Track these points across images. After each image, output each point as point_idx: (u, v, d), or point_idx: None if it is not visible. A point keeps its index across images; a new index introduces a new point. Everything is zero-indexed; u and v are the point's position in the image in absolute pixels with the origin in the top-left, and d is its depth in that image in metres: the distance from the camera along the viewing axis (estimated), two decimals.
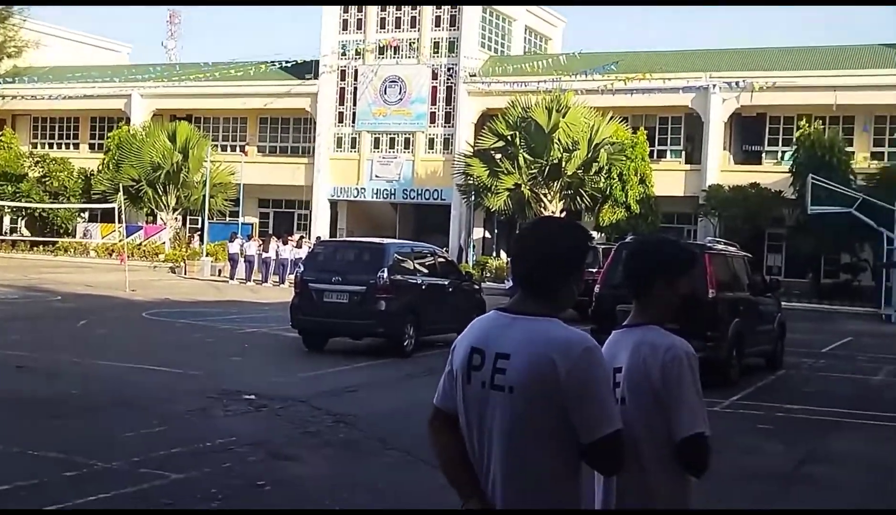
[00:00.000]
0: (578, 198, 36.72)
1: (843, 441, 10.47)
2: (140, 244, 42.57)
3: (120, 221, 37.87)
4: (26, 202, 44.52)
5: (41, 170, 46.62)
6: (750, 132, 40.14)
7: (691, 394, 2.80)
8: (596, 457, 2.69)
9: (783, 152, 38.04)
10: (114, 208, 35.83)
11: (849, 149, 35.57)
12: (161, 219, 43.85)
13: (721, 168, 38.48)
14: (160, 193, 42.88)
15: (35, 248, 45.33)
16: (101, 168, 44.67)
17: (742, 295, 15.10)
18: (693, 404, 2.80)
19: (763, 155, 39.70)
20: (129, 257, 33.63)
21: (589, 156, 35.92)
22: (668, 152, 40.92)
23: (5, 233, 48.83)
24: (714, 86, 38.23)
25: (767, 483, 8.34)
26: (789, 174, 34.35)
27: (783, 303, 18.56)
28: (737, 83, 38.08)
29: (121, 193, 37.28)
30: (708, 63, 39.56)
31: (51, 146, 51.19)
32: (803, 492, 8.26)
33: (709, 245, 15.93)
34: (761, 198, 35.28)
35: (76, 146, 51.28)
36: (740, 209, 35.22)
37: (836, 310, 31.82)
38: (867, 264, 33.40)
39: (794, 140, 35.56)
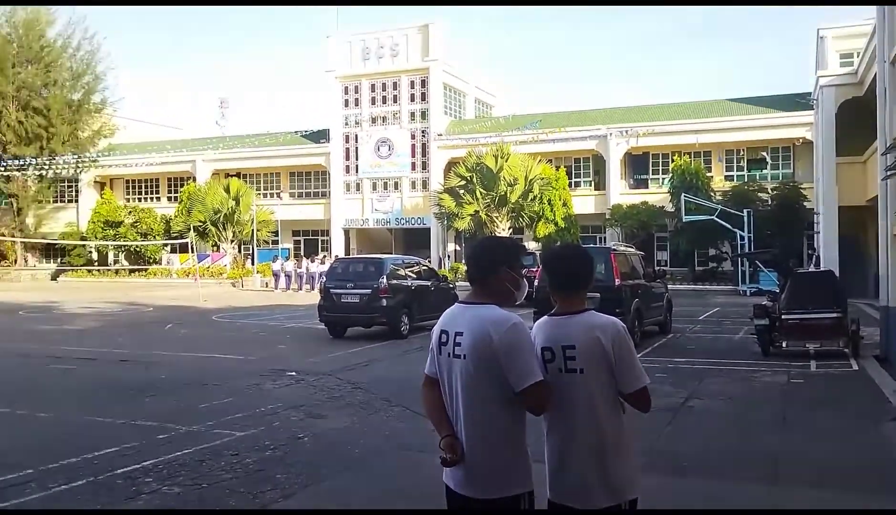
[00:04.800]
0: (520, 218, 36.62)
1: (715, 383, 10.52)
2: (208, 267, 42.17)
3: (192, 251, 37.64)
4: (124, 241, 44.22)
5: (133, 217, 46.16)
6: (638, 166, 40.24)
7: (635, 358, 2.78)
8: (525, 402, 2.69)
9: (663, 179, 38.19)
10: (188, 242, 35.55)
11: (708, 174, 35.68)
12: (222, 248, 43.45)
13: (620, 192, 38.47)
14: (220, 230, 42.49)
15: (132, 274, 44.81)
16: (176, 214, 44.21)
17: (639, 282, 15.15)
18: (638, 365, 2.78)
19: (649, 181, 39.83)
20: (200, 277, 33.41)
21: (526, 188, 35.86)
22: (582, 182, 40.95)
23: (110, 264, 48.28)
24: (611, 134, 38.23)
25: (664, 412, 8.34)
26: (668, 194, 34.51)
27: (669, 286, 18.66)
28: (627, 131, 38.19)
29: (192, 231, 37.08)
30: (605, 118, 39.56)
31: (139, 200, 50.59)
32: (686, 418, 8.30)
33: (614, 247, 16.02)
34: (650, 212, 35.37)
35: (157, 199, 50.63)
36: (635, 221, 35.31)
37: (707, 289, 32.03)
38: (727, 255, 33.61)
39: (670, 170, 35.73)
